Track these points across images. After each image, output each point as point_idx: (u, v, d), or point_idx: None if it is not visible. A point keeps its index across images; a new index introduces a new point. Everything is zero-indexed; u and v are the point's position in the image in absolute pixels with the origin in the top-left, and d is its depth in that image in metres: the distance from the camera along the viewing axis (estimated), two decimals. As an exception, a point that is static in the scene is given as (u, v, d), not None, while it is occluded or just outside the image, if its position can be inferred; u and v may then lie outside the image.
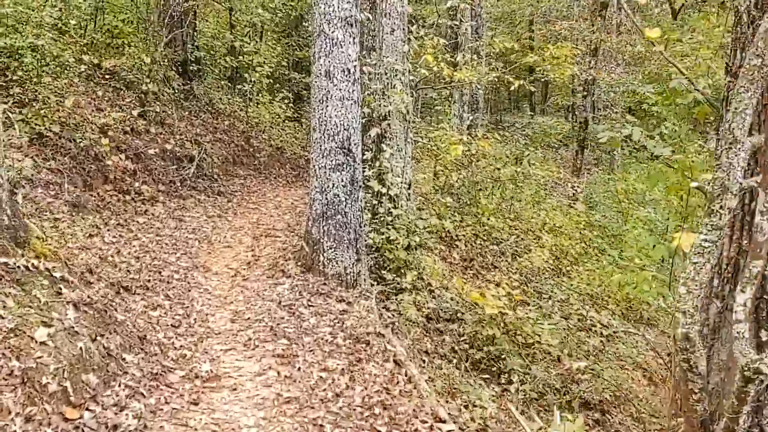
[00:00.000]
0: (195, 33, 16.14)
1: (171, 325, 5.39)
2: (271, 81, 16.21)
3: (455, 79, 10.35)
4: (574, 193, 18.97)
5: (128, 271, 6.43)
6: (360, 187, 7.28)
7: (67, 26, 9.01)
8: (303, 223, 8.96)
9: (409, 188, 8.86)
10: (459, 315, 7.66)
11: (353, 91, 7.16)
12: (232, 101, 15.58)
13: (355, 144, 7.18)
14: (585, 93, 22.50)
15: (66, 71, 8.56)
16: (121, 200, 8.59)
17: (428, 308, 7.33)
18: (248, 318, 5.88)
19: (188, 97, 14.11)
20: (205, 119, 13.48)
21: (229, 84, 17.26)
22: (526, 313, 7.73)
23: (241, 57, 15.75)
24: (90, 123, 8.75)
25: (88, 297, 4.27)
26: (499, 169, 11.03)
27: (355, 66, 7.20)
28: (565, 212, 15.00)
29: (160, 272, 6.73)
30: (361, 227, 7.31)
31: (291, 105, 15.90)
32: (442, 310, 7.50)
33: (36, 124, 7.93)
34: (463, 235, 11.26)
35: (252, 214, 9.97)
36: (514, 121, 33.25)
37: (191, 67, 14.80)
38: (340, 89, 7.08)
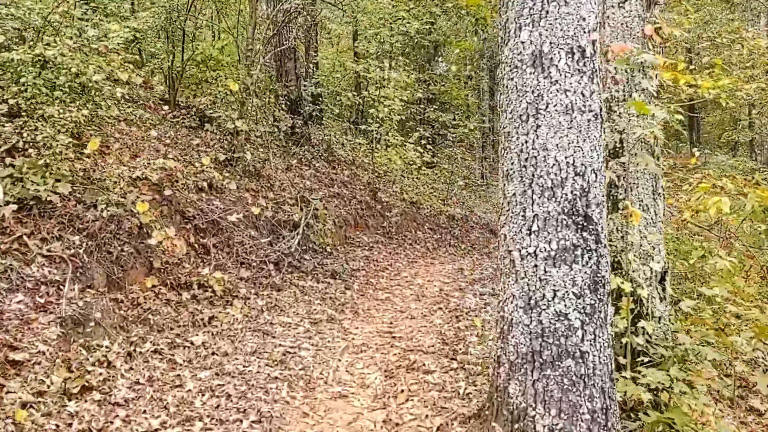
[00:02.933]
0: (314, 66, 13.20)
1: None
2: (403, 118, 12.86)
3: (705, 92, 6.31)
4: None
5: (118, 499, 2.92)
6: (608, 294, 3.44)
7: (111, 42, 5.95)
8: (463, 342, 5.23)
9: (663, 279, 4.87)
10: None
11: (592, 93, 3.40)
12: (354, 145, 12.32)
13: (596, 205, 3.37)
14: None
15: (91, 97, 5.44)
16: (172, 302, 5.26)
17: None
18: None
19: (299, 141, 11.01)
20: (319, 168, 10.23)
21: (352, 125, 14.13)
22: None
23: (366, 91, 12.59)
24: (128, 178, 5.56)
25: None
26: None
27: (594, 43, 3.46)
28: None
29: (193, 489, 3.17)
30: (612, 382, 3.44)
31: (429, 147, 12.37)
32: None
33: (32, 182, 4.80)
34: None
35: (381, 312, 6.34)
36: (676, 163, 28.18)
37: (307, 107, 11.74)
38: (567, 89, 3.34)
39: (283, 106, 11.55)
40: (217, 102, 8.41)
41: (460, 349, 5.13)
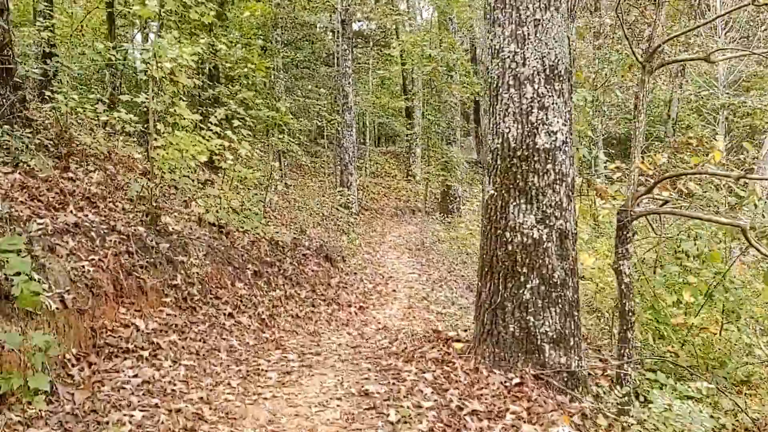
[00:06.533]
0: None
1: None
2: (196, 84, 8.02)
3: None
4: None
5: None
6: None
7: None
8: None
9: None
10: None
11: None
12: (114, 124, 7.23)
13: None
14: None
15: None
16: None
17: None
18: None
19: (4, 117, 5.71)
20: (39, 168, 5.09)
21: (108, 99, 8.81)
22: None
23: (129, 43, 7.55)
24: None
25: None
26: None
27: None
28: None
29: None
30: None
31: (245, 131, 7.58)
32: None
33: None
34: None
35: None
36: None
37: (23, 64, 6.48)
38: None
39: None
40: None
41: None
